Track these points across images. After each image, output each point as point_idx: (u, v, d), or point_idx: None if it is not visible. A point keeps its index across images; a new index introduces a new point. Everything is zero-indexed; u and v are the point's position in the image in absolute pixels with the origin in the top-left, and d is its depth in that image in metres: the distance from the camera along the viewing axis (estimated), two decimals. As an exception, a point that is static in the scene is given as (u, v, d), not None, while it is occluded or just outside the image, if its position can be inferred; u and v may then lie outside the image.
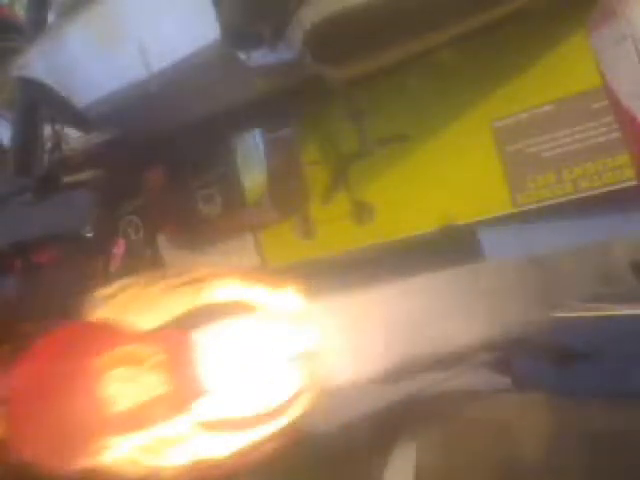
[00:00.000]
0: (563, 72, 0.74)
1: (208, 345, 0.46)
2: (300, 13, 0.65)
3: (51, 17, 1.03)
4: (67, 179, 1.01)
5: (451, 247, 0.82)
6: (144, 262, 0.99)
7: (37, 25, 1.03)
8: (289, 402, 0.47)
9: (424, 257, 0.85)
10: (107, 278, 0.94)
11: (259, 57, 0.73)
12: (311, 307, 0.51)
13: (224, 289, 0.48)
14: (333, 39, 0.67)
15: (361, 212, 0.88)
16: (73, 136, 1.08)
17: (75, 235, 0.94)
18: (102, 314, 0.46)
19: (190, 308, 0.47)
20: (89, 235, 0.94)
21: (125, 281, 0.49)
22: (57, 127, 1.06)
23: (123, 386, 0.43)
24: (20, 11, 1.27)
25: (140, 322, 0.46)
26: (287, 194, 0.92)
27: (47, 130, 1.05)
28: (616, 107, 0.66)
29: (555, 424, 0.64)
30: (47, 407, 0.43)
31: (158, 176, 1.00)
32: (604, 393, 0.67)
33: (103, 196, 0.98)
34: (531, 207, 0.77)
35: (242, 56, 0.73)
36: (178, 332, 0.46)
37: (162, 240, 1.03)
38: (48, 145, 1.05)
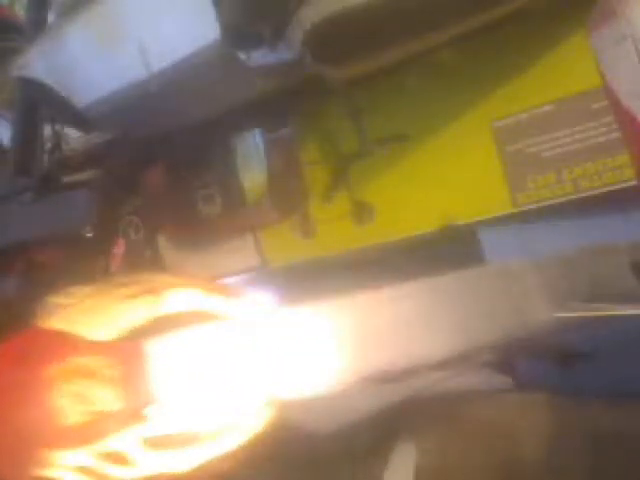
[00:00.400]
0: (563, 72, 0.74)
1: (163, 356, 0.44)
2: (300, 13, 0.65)
3: (51, 17, 1.03)
4: (67, 179, 1.01)
5: (451, 247, 0.82)
6: (144, 262, 0.99)
7: (37, 25, 1.03)
8: (248, 415, 0.46)
9: (424, 257, 0.85)
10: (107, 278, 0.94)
11: (259, 57, 0.73)
12: (281, 314, 0.49)
13: (182, 298, 0.47)
14: (333, 39, 0.66)
15: (361, 212, 0.88)
16: (73, 136, 1.08)
17: (75, 235, 0.93)
18: (55, 323, 0.45)
19: (146, 318, 0.45)
20: (89, 235, 0.93)
21: (80, 289, 0.47)
22: (57, 127, 1.06)
23: (74, 398, 0.42)
24: (20, 11, 1.27)
25: (94, 332, 0.44)
26: (287, 194, 0.92)
27: (47, 130, 1.05)
28: (616, 107, 0.66)
29: (556, 424, 0.64)
30: None
31: (158, 176, 1.00)
32: (605, 393, 0.67)
33: (103, 196, 0.98)
34: (531, 207, 0.77)
35: (242, 56, 0.73)
36: (132, 343, 0.44)
37: (162, 240, 1.03)
38: (48, 145, 1.05)
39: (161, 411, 0.44)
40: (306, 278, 0.94)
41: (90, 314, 0.45)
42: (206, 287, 0.48)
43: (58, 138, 1.06)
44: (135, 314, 0.45)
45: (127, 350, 0.44)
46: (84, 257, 0.95)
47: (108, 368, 0.43)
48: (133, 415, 0.43)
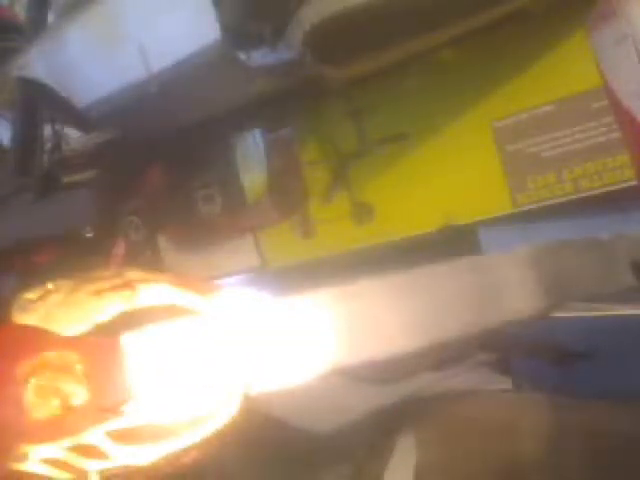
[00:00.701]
0: (563, 72, 0.74)
1: (135, 351, 0.45)
2: (300, 13, 0.65)
3: (51, 17, 1.03)
4: (67, 179, 1.01)
5: (451, 247, 0.82)
6: (144, 262, 0.99)
7: (37, 25, 1.03)
8: (216, 409, 0.46)
9: (424, 257, 0.85)
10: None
11: (259, 57, 0.73)
12: (246, 311, 0.50)
13: (156, 293, 0.47)
14: (333, 39, 0.67)
15: (361, 212, 0.88)
16: (73, 136, 1.08)
17: (75, 235, 0.93)
18: (27, 318, 0.45)
19: (118, 314, 0.46)
20: (89, 235, 0.93)
21: (52, 284, 0.47)
22: (57, 127, 1.06)
23: (46, 393, 0.42)
24: (20, 11, 1.27)
25: (67, 327, 0.45)
26: (287, 194, 0.92)
27: (47, 130, 1.05)
28: (616, 107, 0.66)
29: (555, 424, 0.64)
30: None
31: (158, 176, 1.00)
32: (604, 393, 0.67)
33: (103, 196, 0.98)
34: (531, 207, 0.77)
35: (242, 56, 0.73)
36: (105, 338, 0.45)
37: (162, 240, 1.03)
38: (48, 145, 1.05)
39: (133, 405, 0.44)
40: (306, 278, 0.94)
41: (63, 309, 0.45)
42: (179, 282, 0.48)
43: (58, 138, 1.06)
44: (109, 308, 0.45)
45: (100, 345, 0.44)
46: (84, 257, 0.95)
47: (80, 363, 0.43)
48: (105, 409, 0.43)
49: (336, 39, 0.67)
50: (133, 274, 0.48)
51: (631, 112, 0.60)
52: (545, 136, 0.76)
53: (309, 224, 0.92)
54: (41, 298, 0.46)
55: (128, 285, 0.46)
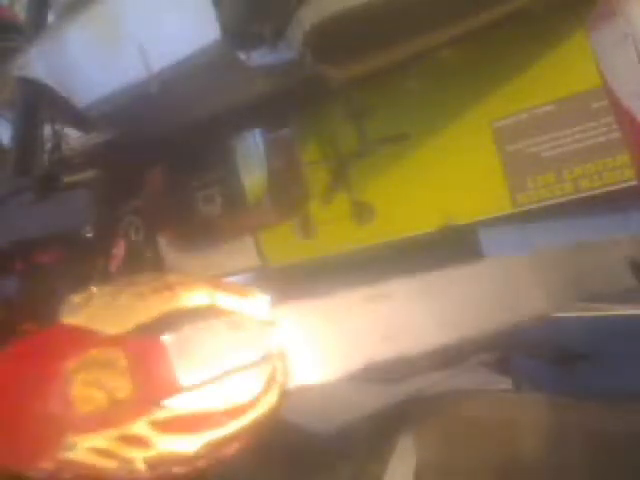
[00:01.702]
0: (563, 72, 0.74)
1: (176, 349, 0.47)
2: (300, 14, 0.65)
3: (51, 17, 1.03)
4: (67, 179, 1.01)
5: (451, 247, 0.82)
6: (144, 262, 0.99)
7: (37, 25, 1.03)
8: (255, 401, 0.49)
9: (424, 257, 0.85)
10: (107, 278, 0.94)
11: (259, 57, 0.73)
12: (280, 310, 0.52)
13: (193, 295, 0.50)
14: (333, 39, 0.67)
15: (361, 212, 0.88)
16: (73, 136, 1.08)
17: (75, 235, 0.93)
18: (74, 319, 0.48)
19: (159, 314, 0.48)
20: (89, 235, 0.93)
21: (95, 288, 0.50)
22: (57, 127, 1.06)
23: (92, 387, 0.45)
24: (20, 11, 1.27)
25: (110, 327, 0.47)
26: (287, 194, 0.92)
27: (47, 130, 1.05)
28: (616, 107, 0.66)
29: (555, 424, 0.64)
30: (10, 408, 0.45)
31: (158, 176, 1.00)
32: (604, 393, 0.67)
33: (103, 196, 0.98)
34: (531, 207, 0.77)
35: (242, 56, 0.73)
36: (147, 336, 0.47)
37: (162, 240, 1.03)
38: (48, 145, 1.05)
39: (176, 396, 0.46)
40: (306, 278, 0.94)
41: (107, 311, 0.48)
42: (216, 284, 0.51)
43: (58, 138, 1.06)
44: (150, 310, 0.48)
45: (142, 342, 0.47)
46: (84, 257, 0.95)
47: (124, 359, 0.46)
48: (148, 402, 0.45)
49: (336, 39, 0.67)
50: (173, 277, 0.51)
51: (631, 112, 0.60)
52: (545, 136, 0.76)
53: (309, 224, 0.92)
54: (86, 301, 0.49)
55: (168, 287, 0.49)
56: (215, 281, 0.52)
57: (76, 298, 0.50)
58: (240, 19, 0.70)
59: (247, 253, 0.97)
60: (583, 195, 0.74)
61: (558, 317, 0.70)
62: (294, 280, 0.95)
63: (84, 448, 0.45)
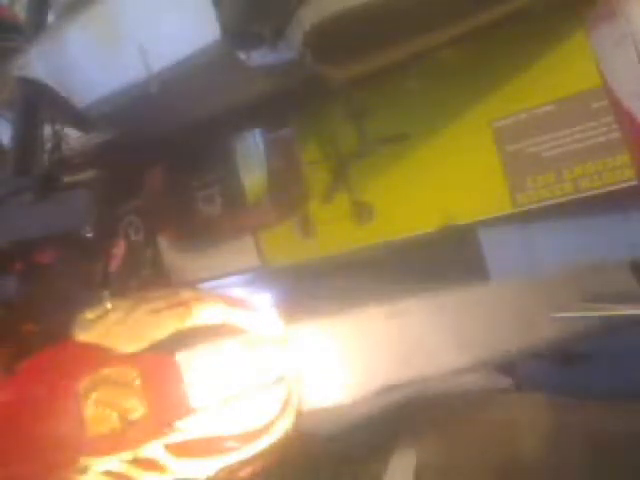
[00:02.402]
0: (563, 72, 0.74)
1: (191, 367, 0.46)
2: (300, 13, 0.65)
3: (51, 17, 1.03)
4: (67, 179, 1.01)
5: (451, 247, 0.82)
6: (144, 262, 0.99)
7: (37, 25, 1.03)
8: (270, 425, 0.48)
9: (424, 257, 0.85)
10: (107, 278, 0.94)
11: (259, 57, 0.73)
12: (295, 329, 0.52)
13: (209, 311, 0.49)
14: (333, 39, 0.66)
15: (361, 212, 0.88)
16: (73, 136, 1.08)
17: (75, 235, 0.93)
18: (87, 336, 0.47)
19: (174, 331, 0.47)
20: (89, 235, 0.93)
21: (109, 304, 0.49)
22: (57, 127, 1.06)
23: (106, 408, 0.44)
24: (20, 11, 1.27)
25: (125, 345, 0.46)
26: (287, 194, 0.92)
27: (47, 130, 1.04)
28: (616, 107, 0.66)
29: (555, 424, 0.64)
30: (21, 430, 0.44)
31: (158, 176, 1.00)
32: (604, 393, 0.67)
33: (103, 196, 0.98)
34: (531, 207, 0.77)
35: (242, 56, 0.73)
36: (161, 355, 0.46)
37: (162, 240, 1.03)
38: (48, 145, 1.05)
39: (191, 419, 0.45)
40: (306, 278, 0.94)
41: (122, 327, 0.48)
42: (232, 302, 0.50)
43: (58, 138, 1.06)
44: (165, 326, 0.47)
45: (157, 361, 0.46)
46: (84, 257, 0.95)
47: (139, 378, 0.46)
48: (163, 423, 0.45)
49: (336, 39, 0.67)
50: (187, 293, 0.50)
51: (631, 112, 0.60)
52: (545, 136, 0.76)
53: (309, 224, 0.92)
54: (100, 317, 0.48)
55: (183, 304, 0.49)
56: (230, 297, 0.52)
57: (89, 314, 0.49)
58: (240, 19, 0.70)
59: (247, 253, 0.97)
60: (583, 195, 0.74)
61: (558, 317, 0.70)
62: (293, 279, 0.95)
63: (97, 471, 0.44)
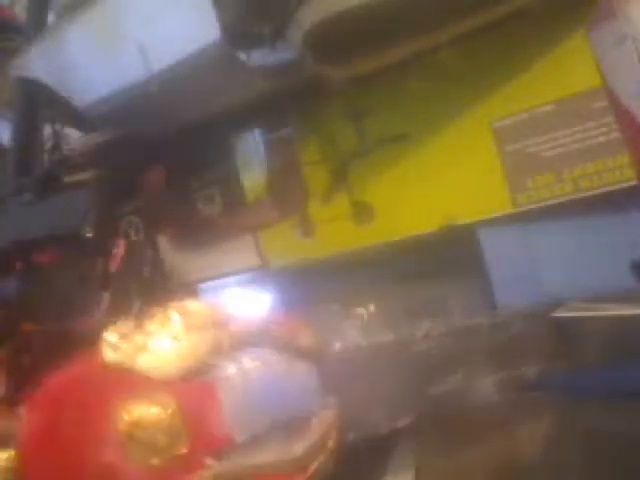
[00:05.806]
0: (563, 72, 0.74)
1: (229, 392, 0.45)
2: (300, 13, 0.65)
3: (51, 17, 1.03)
4: (67, 179, 1.01)
5: (451, 247, 0.82)
6: (144, 262, 0.99)
7: (37, 25, 1.03)
8: (314, 447, 0.46)
9: (424, 257, 0.85)
10: (107, 278, 0.94)
11: (259, 57, 0.73)
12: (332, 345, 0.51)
13: (240, 330, 0.48)
14: (333, 39, 0.67)
15: (361, 212, 0.88)
16: (73, 136, 1.08)
17: (75, 235, 0.93)
18: (114, 359, 0.46)
19: (208, 354, 0.46)
20: (89, 235, 0.93)
21: (135, 322, 0.48)
22: (57, 127, 1.06)
23: (143, 444, 0.43)
24: (20, 11, 1.27)
25: (157, 372, 0.45)
26: (287, 194, 0.92)
27: (47, 130, 1.04)
28: (616, 107, 0.66)
29: (555, 424, 0.64)
30: (56, 454, 0.43)
31: (158, 176, 1.00)
32: (605, 394, 0.67)
33: (103, 196, 0.98)
34: (531, 207, 0.77)
35: (242, 56, 0.73)
36: (198, 382, 0.45)
37: (162, 240, 1.03)
38: (48, 145, 1.05)
39: (232, 447, 0.44)
40: (306, 278, 0.94)
41: (146, 348, 0.46)
42: (267, 321, 0.49)
43: (58, 138, 1.06)
44: (197, 348, 0.46)
45: (195, 390, 0.45)
46: (84, 257, 0.95)
47: (178, 411, 0.44)
48: (203, 455, 0.43)
49: (336, 39, 0.67)
50: (219, 312, 0.49)
51: (631, 112, 0.60)
52: (545, 136, 0.76)
53: (309, 224, 0.92)
54: (125, 337, 0.46)
55: (214, 323, 0.47)
56: (266, 317, 0.50)
57: (111, 336, 0.48)
58: (240, 19, 0.70)
59: (247, 253, 0.97)
60: (583, 195, 0.74)
61: (558, 317, 0.70)
62: (293, 279, 0.95)
63: None
